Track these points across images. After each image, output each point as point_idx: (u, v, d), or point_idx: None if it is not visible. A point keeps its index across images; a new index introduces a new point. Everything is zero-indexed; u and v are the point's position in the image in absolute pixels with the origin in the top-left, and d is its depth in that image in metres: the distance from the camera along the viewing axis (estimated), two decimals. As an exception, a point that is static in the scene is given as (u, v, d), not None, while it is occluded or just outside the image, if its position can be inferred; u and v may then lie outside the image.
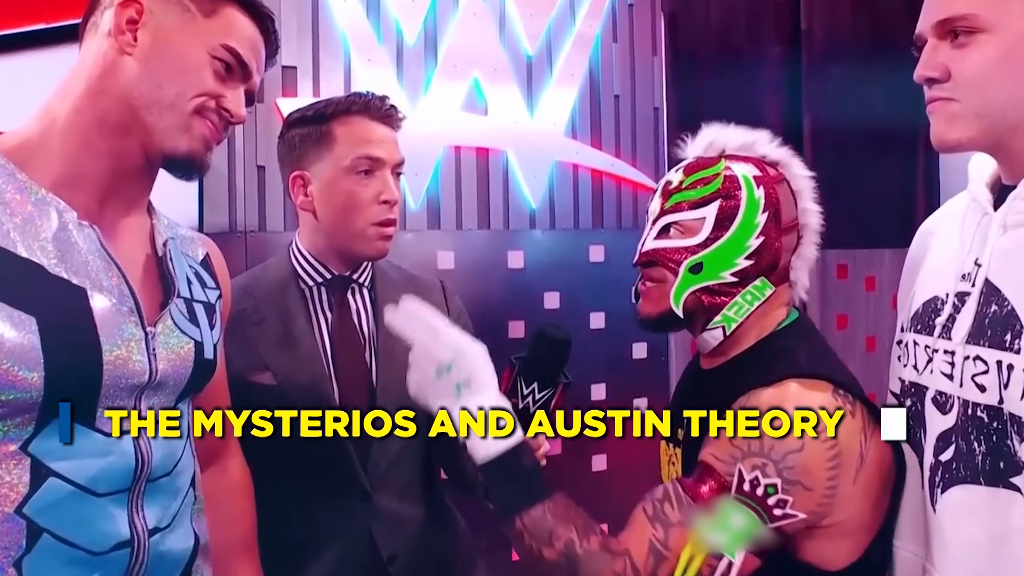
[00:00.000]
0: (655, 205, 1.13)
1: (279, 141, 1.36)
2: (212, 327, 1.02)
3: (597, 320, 2.50)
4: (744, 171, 1.09)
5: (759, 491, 0.93)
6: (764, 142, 1.13)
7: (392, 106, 1.33)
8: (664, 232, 1.10)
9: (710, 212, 1.07)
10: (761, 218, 1.07)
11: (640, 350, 2.58)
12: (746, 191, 1.07)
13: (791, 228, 1.10)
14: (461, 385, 0.97)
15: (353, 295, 1.36)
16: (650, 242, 1.11)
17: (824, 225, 1.12)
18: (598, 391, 2.49)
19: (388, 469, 1.30)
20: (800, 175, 1.12)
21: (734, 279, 1.06)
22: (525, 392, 1.08)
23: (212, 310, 1.04)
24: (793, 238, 1.10)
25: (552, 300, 2.45)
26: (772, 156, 1.12)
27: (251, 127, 2.07)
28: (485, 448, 0.97)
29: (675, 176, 1.12)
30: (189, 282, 1.01)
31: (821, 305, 2.82)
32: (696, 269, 1.07)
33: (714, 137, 1.13)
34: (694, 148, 1.15)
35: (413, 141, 1.90)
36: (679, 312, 1.08)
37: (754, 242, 1.06)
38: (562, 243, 2.48)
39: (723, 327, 1.08)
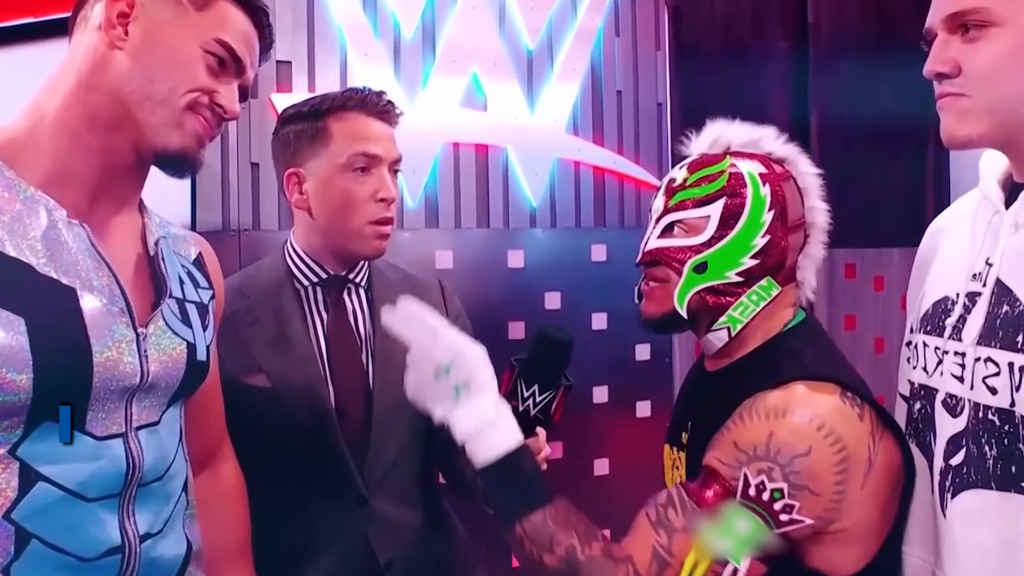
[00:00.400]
0: (658, 203, 1.12)
1: (273, 138, 1.34)
2: (205, 328, 1.01)
3: (599, 321, 2.48)
4: (749, 168, 1.07)
5: (765, 496, 0.92)
6: (770, 138, 1.11)
7: (389, 102, 1.32)
8: (668, 231, 1.08)
9: (715, 210, 1.05)
10: (767, 216, 1.05)
11: (643, 352, 2.55)
12: (752, 189, 1.05)
13: (798, 227, 1.08)
14: (460, 387, 0.96)
15: (349, 295, 1.34)
16: (653, 241, 1.10)
17: (831, 223, 1.11)
18: (600, 393, 2.47)
19: (385, 473, 1.29)
20: (807, 172, 1.10)
21: (739, 279, 1.05)
22: (525, 394, 1.07)
23: (205, 311, 1.03)
24: (800, 237, 1.09)
25: (553, 300, 2.43)
26: (778, 153, 1.11)
27: (245, 123, 2.05)
28: (484, 451, 0.96)
29: (679, 173, 1.11)
30: (181, 282, 1.00)
31: (828, 305, 2.80)
32: (700, 269, 1.05)
33: (719, 133, 1.12)
34: (698, 145, 1.14)
35: (411, 137, 1.87)
36: (683, 313, 1.07)
37: (760, 241, 1.04)
38: (563, 242, 2.46)
39: (728, 328, 1.06)
